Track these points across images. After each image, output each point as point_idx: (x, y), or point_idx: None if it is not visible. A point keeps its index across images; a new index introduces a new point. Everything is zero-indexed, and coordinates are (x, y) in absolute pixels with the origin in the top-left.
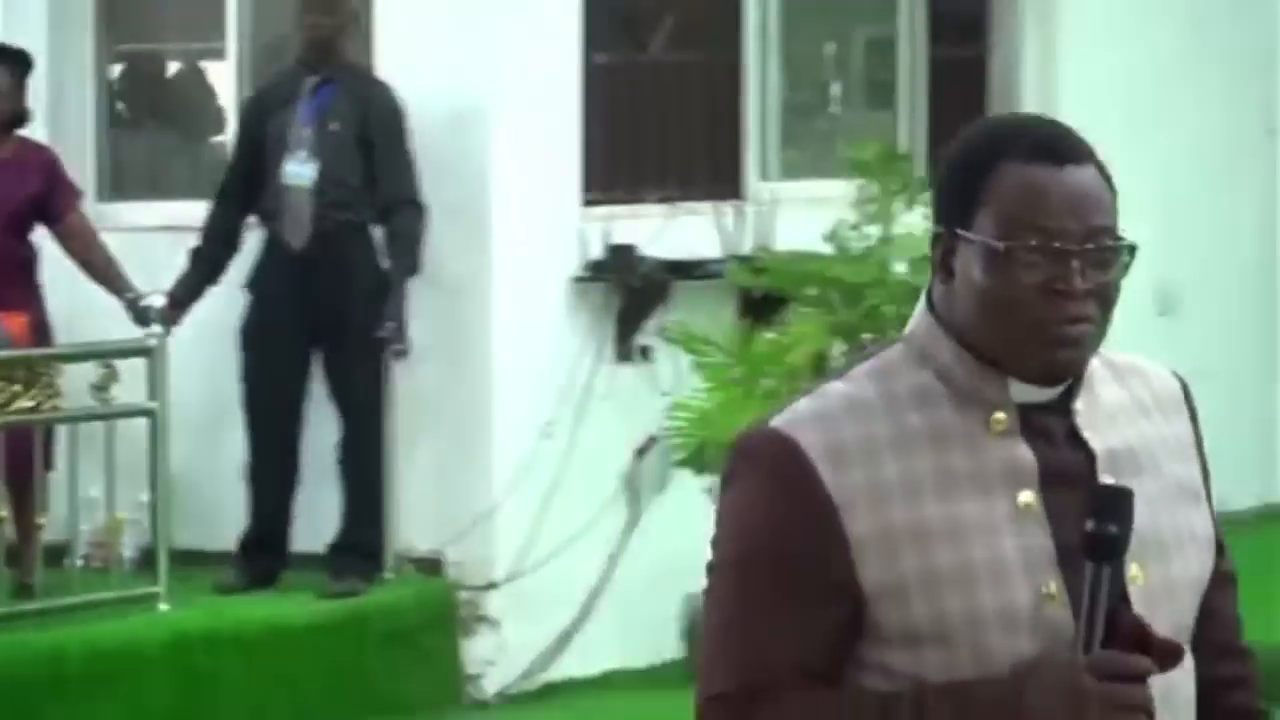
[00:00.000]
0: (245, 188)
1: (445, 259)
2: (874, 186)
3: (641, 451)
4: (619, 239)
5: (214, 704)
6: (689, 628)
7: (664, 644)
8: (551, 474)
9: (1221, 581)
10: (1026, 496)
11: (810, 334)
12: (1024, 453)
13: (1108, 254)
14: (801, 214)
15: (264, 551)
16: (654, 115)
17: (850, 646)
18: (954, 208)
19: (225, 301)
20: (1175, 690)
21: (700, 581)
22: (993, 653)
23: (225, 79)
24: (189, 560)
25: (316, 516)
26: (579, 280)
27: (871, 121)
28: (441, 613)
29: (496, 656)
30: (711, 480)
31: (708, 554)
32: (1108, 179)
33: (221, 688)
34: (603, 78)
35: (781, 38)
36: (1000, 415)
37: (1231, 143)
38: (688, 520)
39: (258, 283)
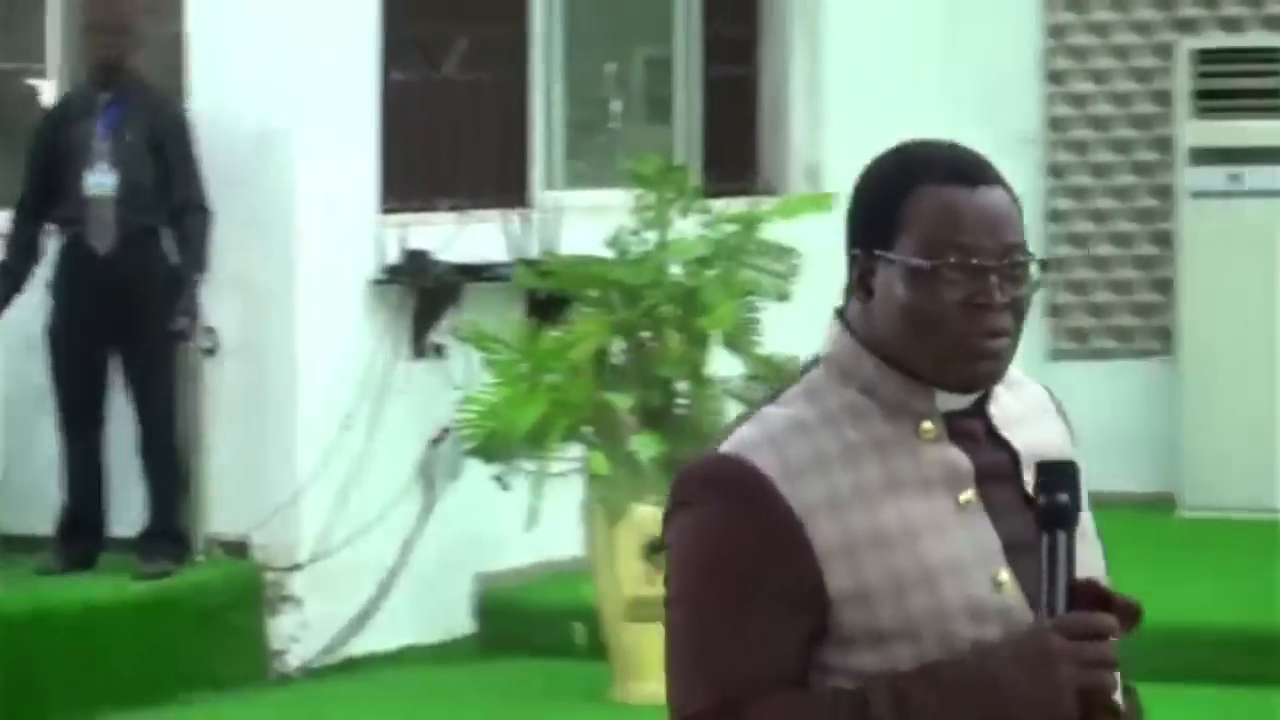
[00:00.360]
0: (43, 199)
1: (252, 264)
2: (651, 196)
3: (435, 442)
4: (414, 244)
5: (35, 682)
6: (480, 605)
7: (456, 621)
8: (351, 463)
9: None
10: (968, 494)
11: (592, 332)
12: (958, 455)
13: (1021, 269)
14: (584, 221)
15: (81, 536)
16: (447, 129)
17: (813, 653)
18: (872, 230)
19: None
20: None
21: (490, 562)
22: (960, 641)
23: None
24: (12, 545)
25: (135, 502)
26: (377, 283)
27: (650, 135)
28: (248, 593)
29: (300, 633)
30: (500, 468)
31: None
32: (1014, 198)
33: (41, 666)
34: (399, 94)
35: (566, 58)
36: (928, 424)
37: (988, 150)
38: (478, 506)
39: (59, 286)
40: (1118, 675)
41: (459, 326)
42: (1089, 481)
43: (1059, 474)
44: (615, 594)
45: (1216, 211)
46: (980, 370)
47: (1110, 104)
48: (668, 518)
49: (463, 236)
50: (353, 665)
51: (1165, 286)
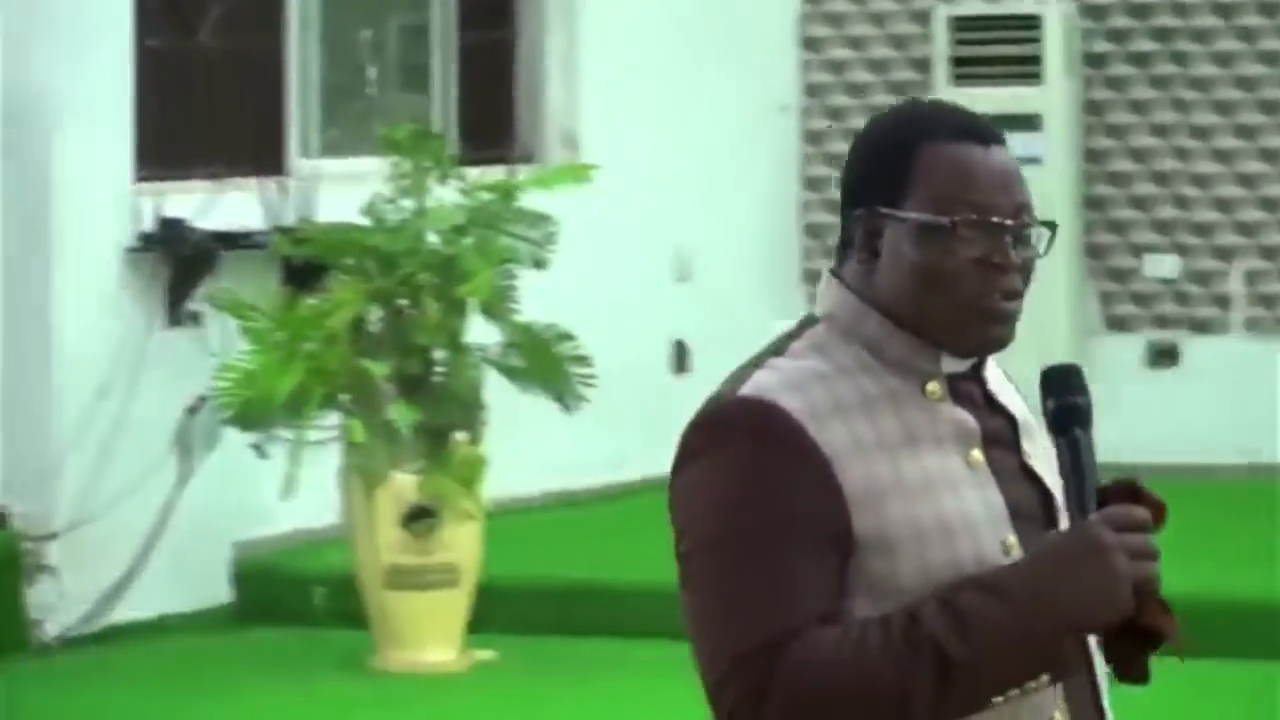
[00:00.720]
0: None
1: (7, 232)
2: (407, 164)
3: (192, 410)
4: (170, 212)
5: None
6: (237, 573)
7: (214, 589)
8: (108, 431)
9: None
10: (976, 454)
11: (349, 300)
12: (966, 415)
13: (1032, 230)
14: (341, 189)
15: None
16: (202, 97)
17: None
18: (878, 189)
19: None
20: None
21: (248, 530)
22: None
23: None
24: None
25: None
26: (132, 251)
27: (407, 103)
28: (5, 562)
29: (58, 603)
30: (258, 436)
31: (685, 533)
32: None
33: None
34: (154, 62)
35: (321, 25)
36: (934, 385)
37: (746, 118)
38: (236, 474)
39: None
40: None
41: (215, 294)
42: None
43: (1067, 377)
44: (373, 561)
45: None
46: (993, 333)
47: (868, 71)
48: (679, 469)
49: (219, 204)
50: (112, 634)
51: None
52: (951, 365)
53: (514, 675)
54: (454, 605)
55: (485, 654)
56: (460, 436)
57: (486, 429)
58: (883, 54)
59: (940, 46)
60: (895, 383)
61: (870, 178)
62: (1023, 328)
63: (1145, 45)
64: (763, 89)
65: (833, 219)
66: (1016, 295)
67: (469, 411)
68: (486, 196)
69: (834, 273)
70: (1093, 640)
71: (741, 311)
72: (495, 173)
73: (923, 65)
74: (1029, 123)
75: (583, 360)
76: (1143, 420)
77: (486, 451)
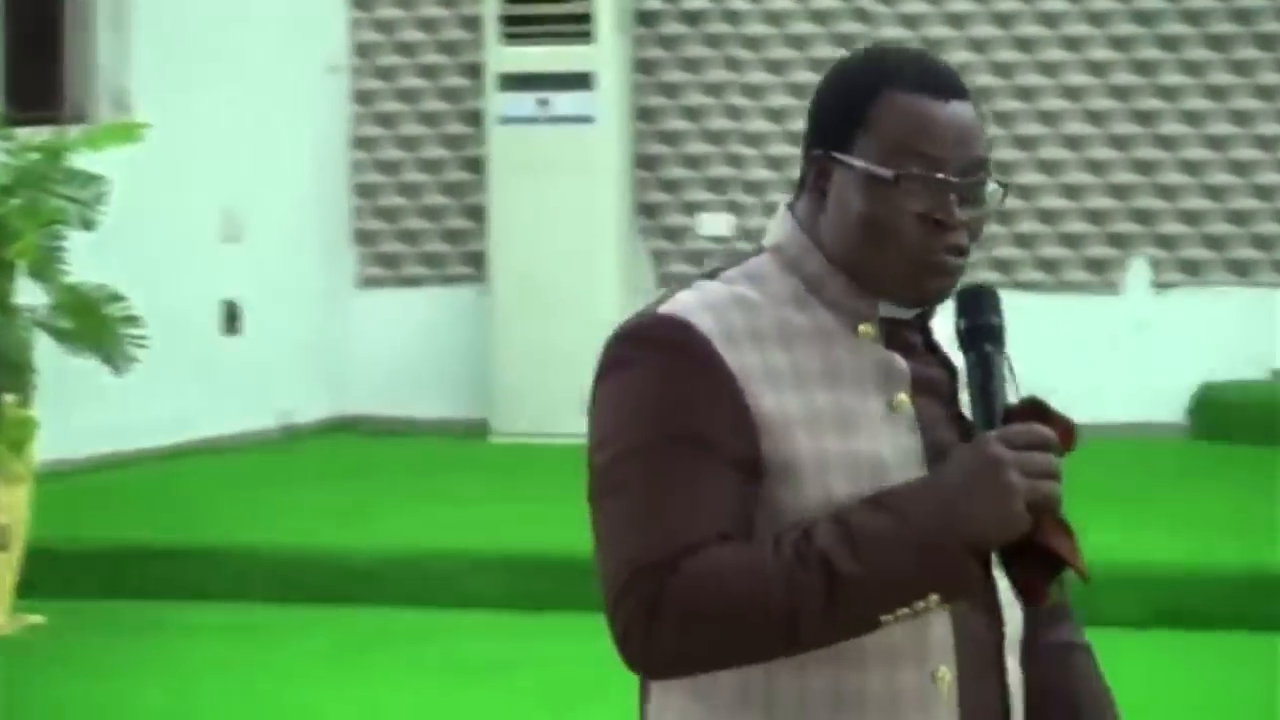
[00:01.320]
0: None
1: None
2: None
3: None
4: None
5: None
6: None
7: None
8: None
9: None
10: (901, 398)
11: None
12: (895, 358)
13: (983, 188)
14: None
15: None
16: None
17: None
18: (833, 132)
19: None
20: (1014, 629)
21: None
22: None
23: None
24: None
25: None
26: None
27: None
28: None
29: None
30: None
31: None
32: (981, 115)
33: None
34: None
35: None
36: (867, 326)
37: (296, 77)
38: None
39: None
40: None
41: None
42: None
43: (980, 299)
44: None
45: (525, 137)
46: (932, 286)
47: (418, 29)
48: (599, 381)
49: None
50: None
51: (476, 213)
52: (890, 311)
53: (63, 639)
54: (2, 568)
55: (34, 618)
56: (9, 399)
57: (37, 391)
58: (433, 13)
59: (491, 5)
60: (827, 319)
61: (827, 118)
62: (574, 287)
63: (697, 3)
64: (313, 48)
65: (383, 179)
66: (960, 252)
67: (18, 374)
68: (34, 157)
69: (789, 206)
70: (1005, 599)
71: (292, 271)
72: (44, 133)
73: (473, 24)
74: (581, 81)
75: (133, 321)
76: None
77: (37, 414)
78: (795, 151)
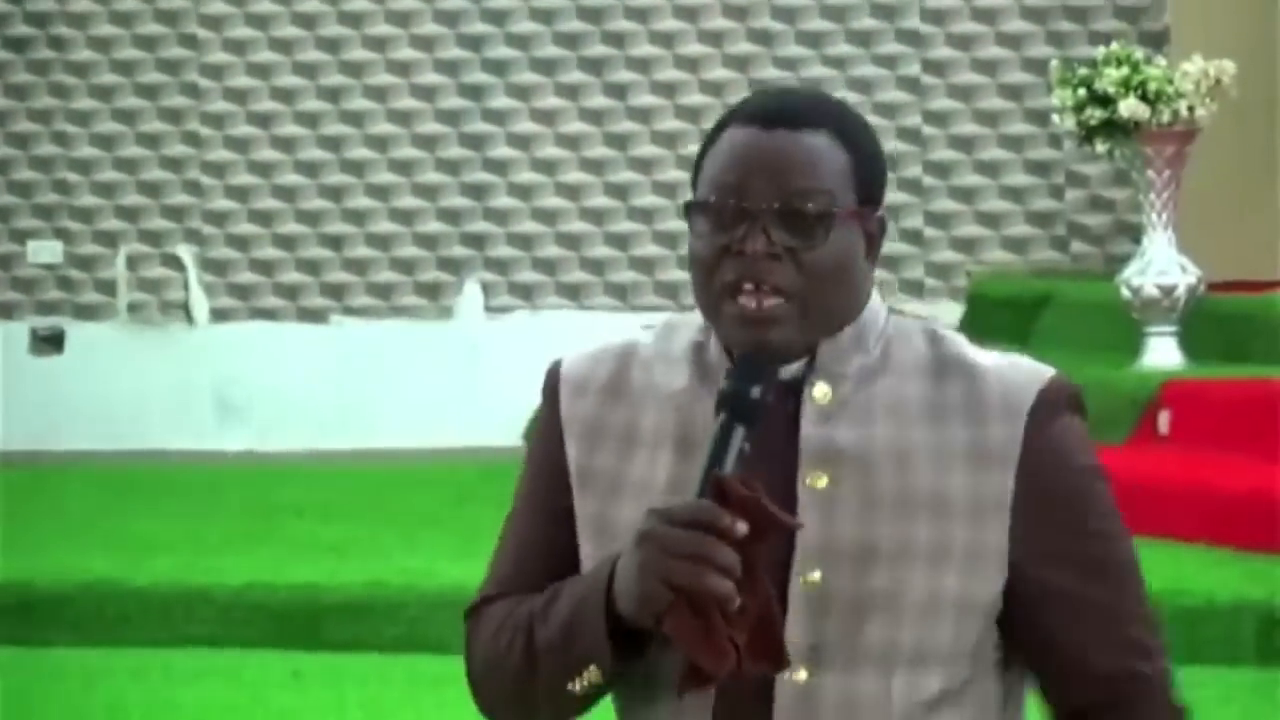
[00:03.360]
0: None
1: None
2: None
3: None
4: None
5: None
6: None
7: None
8: None
9: (1059, 605)
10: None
11: None
12: (707, 427)
13: (799, 218)
14: None
15: None
16: None
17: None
18: (693, 175)
19: None
20: (859, 702)
21: None
22: None
23: None
24: None
25: None
26: None
27: None
28: None
29: None
30: None
31: None
32: (854, 146)
33: None
34: None
35: None
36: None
37: None
38: None
39: None
40: (731, 583)
41: None
42: None
43: (760, 370)
44: None
45: None
46: (743, 334)
47: None
48: None
49: None
50: None
51: None
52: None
53: None
54: None
55: None
56: None
57: None
58: None
59: None
60: (689, 383)
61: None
62: None
63: (22, 30)
64: None
65: None
66: (762, 286)
67: None
68: None
69: None
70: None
71: None
72: None
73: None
74: None
75: None
76: (31, 408)
77: None
78: (127, 178)
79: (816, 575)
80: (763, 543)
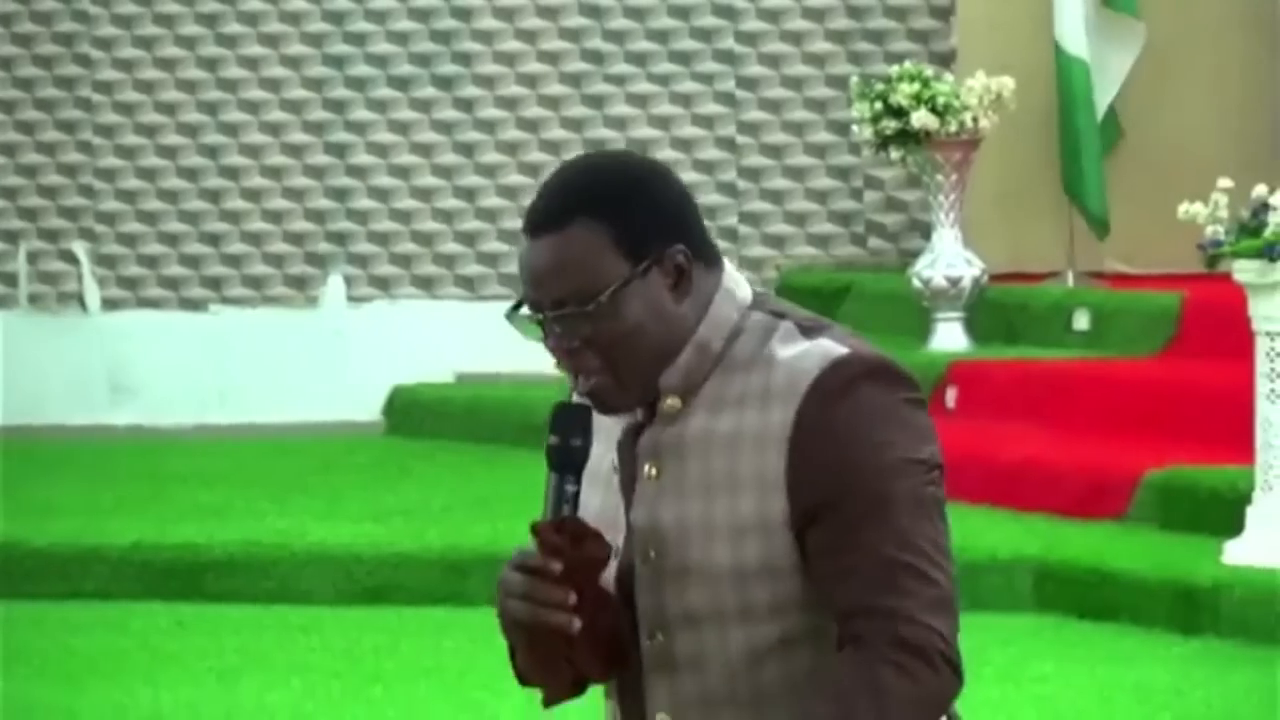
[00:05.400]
0: None
1: None
2: None
3: None
4: None
5: None
6: None
7: None
8: None
9: (818, 558)
10: (613, 491)
11: None
12: (614, 456)
13: (574, 317)
14: None
15: None
16: None
17: None
18: None
19: None
20: (706, 654)
21: None
22: None
23: None
24: None
25: None
26: None
27: None
28: None
29: None
30: None
31: None
32: (615, 215)
33: None
34: None
35: None
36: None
37: None
38: None
39: None
40: (562, 615)
41: None
42: None
43: (572, 418)
44: None
45: None
46: (595, 409)
47: None
48: None
49: None
50: None
51: None
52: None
53: None
54: None
55: None
56: None
57: None
58: None
59: None
60: (620, 423)
61: None
62: None
63: None
64: None
65: None
66: (582, 372)
67: None
68: None
69: None
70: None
71: None
72: None
73: None
74: None
75: None
76: None
77: None
78: (26, 183)
79: (652, 553)
80: (594, 571)
